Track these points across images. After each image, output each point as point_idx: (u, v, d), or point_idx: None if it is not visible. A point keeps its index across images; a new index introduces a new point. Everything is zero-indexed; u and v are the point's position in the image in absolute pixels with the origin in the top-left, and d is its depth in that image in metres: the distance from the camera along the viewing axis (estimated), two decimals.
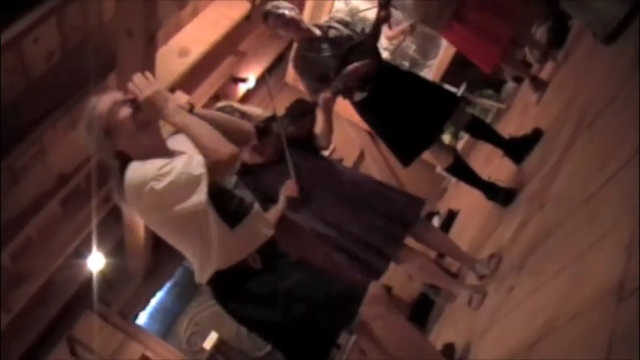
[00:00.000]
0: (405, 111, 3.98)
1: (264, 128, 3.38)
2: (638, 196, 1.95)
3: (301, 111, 3.72)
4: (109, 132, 2.36)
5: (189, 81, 5.93)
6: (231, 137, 2.38)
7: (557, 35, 5.13)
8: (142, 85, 2.35)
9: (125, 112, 2.36)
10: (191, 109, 2.43)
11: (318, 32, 4.19)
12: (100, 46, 4.10)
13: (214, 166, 2.27)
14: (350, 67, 3.81)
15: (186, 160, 2.27)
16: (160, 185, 2.23)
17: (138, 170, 2.29)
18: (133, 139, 2.38)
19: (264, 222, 2.66)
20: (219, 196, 2.46)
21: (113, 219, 6.17)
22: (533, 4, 5.37)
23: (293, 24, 4.14)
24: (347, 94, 4.00)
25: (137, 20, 3.82)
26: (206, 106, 6.30)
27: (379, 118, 4.11)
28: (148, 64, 4.07)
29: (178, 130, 2.39)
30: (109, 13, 4.10)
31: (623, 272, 1.80)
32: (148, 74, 2.38)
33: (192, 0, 5.20)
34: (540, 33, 5.42)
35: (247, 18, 6.15)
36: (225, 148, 2.31)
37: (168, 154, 2.40)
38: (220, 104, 3.47)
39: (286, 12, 4.10)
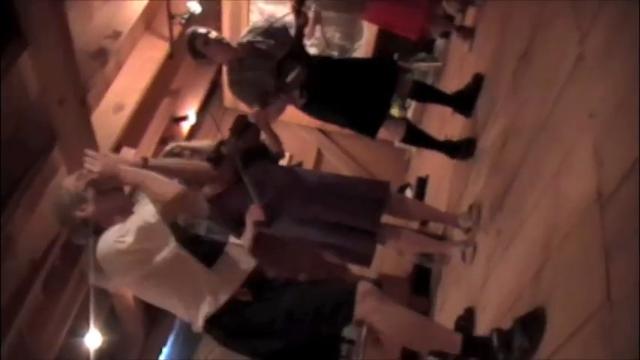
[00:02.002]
0: (352, 93, 4.01)
1: (216, 156, 3.40)
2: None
3: (242, 126, 3.73)
4: (76, 202, 2.47)
5: (132, 134, 5.90)
6: (193, 178, 2.50)
7: None
8: (92, 165, 2.49)
9: (87, 190, 2.47)
10: (145, 164, 2.54)
11: (244, 50, 4.17)
12: (36, 123, 4.07)
13: (166, 208, 2.39)
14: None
15: (138, 215, 2.41)
16: (124, 245, 2.35)
17: (103, 240, 2.40)
18: (101, 206, 2.49)
19: (241, 255, 2.69)
20: (189, 242, 2.52)
21: (98, 290, 6.08)
22: None
23: (219, 44, 4.10)
24: (289, 99, 4.02)
25: (64, 88, 3.81)
26: (155, 153, 6.28)
27: (330, 109, 4.14)
28: (85, 127, 4.06)
29: (132, 186, 2.58)
30: (35, 89, 4.07)
31: (598, 179, 1.84)
32: (88, 152, 2.52)
33: (113, 54, 5.17)
34: None
35: (170, 57, 6.14)
36: (171, 188, 2.47)
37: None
38: (168, 147, 3.48)
39: (211, 33, 4.09)
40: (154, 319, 7.58)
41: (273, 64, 3.97)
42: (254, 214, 3.45)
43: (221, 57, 4.18)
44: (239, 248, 2.75)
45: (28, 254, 4.56)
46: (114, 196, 2.53)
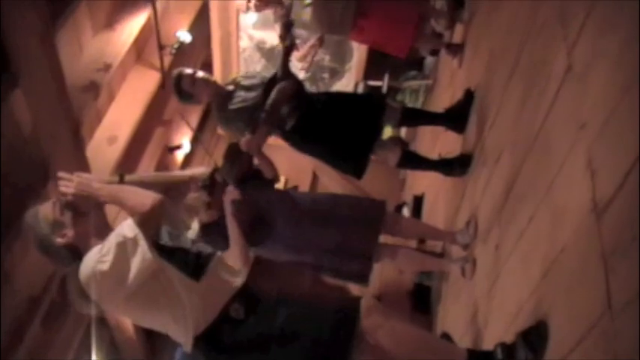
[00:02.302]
0: (338, 129, 4.01)
1: (210, 184, 3.41)
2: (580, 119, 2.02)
3: (235, 152, 3.73)
4: (56, 228, 2.44)
5: (127, 165, 5.90)
6: (175, 188, 2.48)
7: None
8: (66, 187, 2.48)
9: (64, 213, 2.46)
10: (121, 179, 2.52)
11: (230, 87, 4.15)
12: (30, 158, 4.07)
13: (144, 219, 2.36)
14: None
15: (117, 232, 2.37)
16: (106, 265, 2.31)
17: (84, 264, 2.36)
18: (80, 229, 2.46)
19: (230, 268, 2.63)
20: (174, 256, 2.47)
21: (98, 323, 6.05)
22: None
23: (206, 82, 4.08)
24: (278, 127, 4.01)
25: (57, 123, 3.81)
26: None
27: (317, 145, 4.12)
28: (80, 161, 4.06)
29: (109, 203, 2.54)
30: (28, 125, 4.07)
31: (592, 189, 1.85)
32: (61, 174, 2.53)
33: (104, 86, 5.19)
34: (440, 2, 5.53)
35: (162, 87, 6.17)
36: (147, 199, 2.43)
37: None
38: None
39: (197, 72, 4.09)
40: (155, 349, 7.53)
41: (258, 94, 3.98)
42: (230, 194, 3.41)
43: (208, 95, 4.13)
44: (230, 260, 2.69)
45: (26, 290, 4.55)
46: (92, 217, 2.49)
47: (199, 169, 3.63)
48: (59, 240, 2.42)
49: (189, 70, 4.07)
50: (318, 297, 2.67)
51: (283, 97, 3.89)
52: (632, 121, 1.67)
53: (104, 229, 2.47)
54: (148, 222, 2.40)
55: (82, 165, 4.27)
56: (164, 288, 2.42)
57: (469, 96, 4.16)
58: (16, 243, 4.20)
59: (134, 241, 2.32)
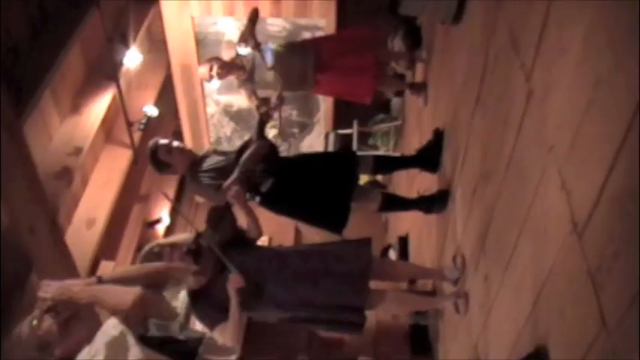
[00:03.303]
0: (314, 188, 4.04)
1: (195, 250, 3.39)
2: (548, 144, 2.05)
3: (217, 216, 3.73)
4: (43, 347, 2.41)
5: (108, 246, 5.86)
6: (162, 280, 2.50)
7: (413, 38, 5.36)
8: (45, 292, 2.49)
9: (47, 322, 2.43)
10: (100, 280, 2.54)
11: (206, 153, 4.18)
12: (9, 253, 4.03)
13: (127, 316, 2.42)
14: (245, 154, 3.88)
15: (102, 331, 2.41)
16: None
17: None
18: (68, 339, 2.46)
19: (220, 349, 2.68)
20: (164, 346, 2.50)
21: None
22: (378, 23, 5.64)
23: (182, 151, 4.11)
24: (254, 191, 4.02)
25: (33, 216, 3.79)
26: (134, 261, 6.23)
27: (295, 206, 4.15)
28: (60, 250, 4.03)
29: (89, 304, 2.58)
30: (5, 220, 4.04)
31: (570, 210, 1.88)
32: (43, 282, 2.53)
33: (77, 170, 5.18)
34: (397, 43, 5.63)
35: (135, 163, 6.17)
36: (127, 295, 2.50)
37: None
38: (147, 248, 3.46)
39: (172, 142, 4.12)
40: None
41: (231, 157, 4.01)
42: (234, 281, 3.41)
43: (184, 164, 4.13)
44: (216, 344, 2.72)
45: None
46: (76, 329, 2.50)
47: (182, 235, 3.62)
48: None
49: (164, 140, 4.10)
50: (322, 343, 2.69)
51: (257, 153, 3.94)
52: (597, 138, 1.71)
53: (89, 335, 2.47)
54: (133, 317, 2.45)
55: (62, 253, 4.24)
56: None
57: (439, 135, 4.22)
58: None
59: (121, 338, 2.36)
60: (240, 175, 3.83)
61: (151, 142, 4.14)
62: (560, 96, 2.01)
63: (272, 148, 4.11)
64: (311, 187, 4.04)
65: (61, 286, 2.51)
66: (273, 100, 5.07)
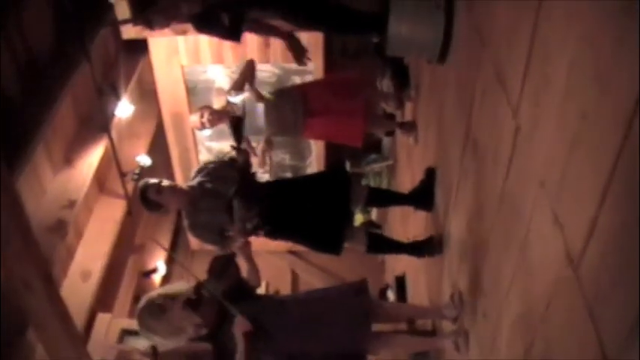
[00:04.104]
0: (307, 211, 4.06)
1: (196, 300, 3.37)
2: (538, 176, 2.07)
3: (221, 266, 3.71)
4: None
5: (104, 298, 5.84)
6: None
7: (401, 78, 5.42)
8: None
9: None
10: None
11: (195, 192, 4.20)
12: (4, 309, 4.00)
13: None
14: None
15: None
16: None
17: None
18: None
19: None
20: None
21: None
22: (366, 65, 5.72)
23: (172, 190, 4.13)
24: (254, 231, 4.05)
25: (27, 269, 3.76)
26: (131, 313, 6.19)
27: (290, 230, 4.17)
28: (55, 304, 3.99)
29: None
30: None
31: (564, 243, 1.88)
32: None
33: (71, 223, 5.17)
34: (386, 84, 5.69)
35: (129, 213, 6.16)
36: None
37: None
38: (143, 301, 3.44)
39: (162, 181, 4.13)
40: None
41: (224, 202, 4.02)
42: (240, 325, 3.37)
43: (175, 203, 4.19)
44: None
45: None
46: None
47: (180, 285, 3.59)
48: None
49: (154, 180, 4.13)
50: None
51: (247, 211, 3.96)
52: (586, 172, 1.72)
53: None
54: None
55: (58, 307, 4.20)
56: None
57: (430, 174, 4.25)
58: None
59: None
60: (241, 227, 3.85)
61: (140, 183, 4.18)
62: (547, 131, 2.03)
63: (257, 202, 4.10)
64: (305, 209, 4.09)
65: None
66: (261, 144, 5.11)
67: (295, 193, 4.18)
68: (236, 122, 4.72)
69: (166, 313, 3.30)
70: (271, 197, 4.11)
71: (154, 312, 3.32)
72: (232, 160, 4.29)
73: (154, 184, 4.09)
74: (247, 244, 3.78)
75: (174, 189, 4.15)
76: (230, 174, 4.20)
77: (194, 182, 4.26)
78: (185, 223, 4.28)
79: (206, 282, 3.57)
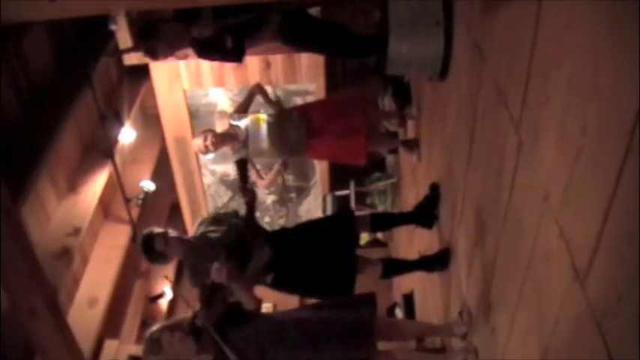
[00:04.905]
0: (317, 264, 4.04)
1: (194, 330, 3.39)
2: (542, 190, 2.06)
3: (208, 294, 3.68)
4: None
5: (111, 324, 5.82)
6: None
7: (402, 96, 5.44)
8: None
9: None
10: None
11: (199, 242, 4.10)
12: (10, 337, 3.99)
13: None
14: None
15: None
16: None
17: None
18: None
19: None
20: None
21: None
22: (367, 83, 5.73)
23: (179, 241, 4.06)
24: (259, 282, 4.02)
25: (33, 297, 3.77)
26: (138, 339, 6.18)
27: (301, 285, 4.15)
28: (62, 331, 3.99)
29: None
30: (5, 304, 4.02)
31: (570, 257, 1.87)
32: None
33: (77, 250, 5.17)
34: (388, 102, 5.71)
35: (134, 239, 6.16)
36: None
37: None
38: (149, 333, 3.45)
39: (168, 231, 4.07)
40: None
41: (227, 249, 3.98)
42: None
43: (180, 254, 4.09)
44: None
45: None
46: None
47: (181, 317, 3.61)
48: None
49: (159, 230, 4.03)
50: None
51: (258, 268, 3.92)
52: (590, 185, 1.72)
53: None
54: None
55: (65, 334, 4.19)
56: None
57: (435, 190, 4.24)
58: None
59: None
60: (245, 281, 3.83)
61: (145, 232, 4.05)
62: (549, 145, 2.02)
63: (270, 255, 4.07)
64: (313, 263, 4.04)
65: None
66: (276, 166, 5.10)
67: (300, 241, 4.15)
68: (241, 163, 4.70)
69: (166, 347, 3.34)
70: (277, 246, 4.07)
71: (153, 348, 3.37)
72: (236, 212, 4.27)
73: (160, 234, 3.99)
74: (223, 269, 3.70)
75: (181, 240, 4.08)
76: (234, 224, 4.16)
77: (198, 233, 4.22)
78: (186, 272, 4.21)
79: (199, 312, 3.56)
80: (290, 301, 7.63)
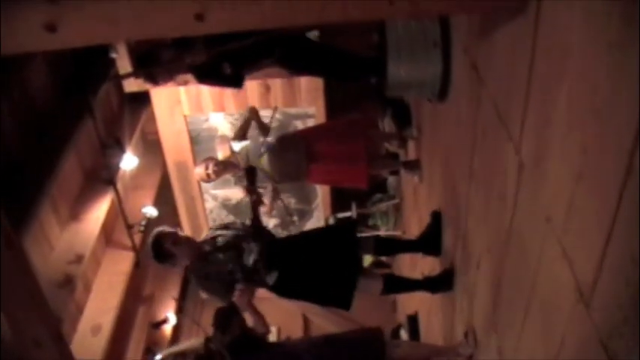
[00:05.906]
0: (317, 268, 4.03)
1: (206, 356, 3.38)
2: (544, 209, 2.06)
3: (224, 317, 3.68)
4: None
5: (115, 351, 5.79)
6: None
7: (402, 118, 5.45)
8: None
9: None
10: None
11: (207, 247, 4.14)
12: None
13: None
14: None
15: None
16: None
17: None
18: None
19: None
20: None
21: None
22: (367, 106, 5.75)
23: (188, 241, 4.08)
24: (259, 284, 4.02)
25: (36, 327, 3.74)
26: None
27: (301, 289, 4.13)
28: None
29: None
30: (8, 334, 3.99)
31: (574, 279, 1.86)
32: None
33: (80, 278, 5.16)
34: (387, 124, 5.73)
35: (137, 265, 6.15)
36: None
37: None
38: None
39: (178, 231, 4.09)
40: None
41: (233, 253, 3.99)
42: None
43: (188, 256, 4.08)
44: None
45: None
46: None
47: (191, 342, 3.60)
48: None
49: (169, 229, 4.05)
50: None
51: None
52: (592, 206, 1.72)
53: None
54: None
55: None
56: None
57: (436, 218, 4.24)
58: None
59: None
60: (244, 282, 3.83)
61: (155, 231, 4.05)
62: (551, 166, 2.02)
63: (269, 247, 4.08)
64: (315, 267, 4.03)
65: None
66: (268, 194, 5.11)
67: (304, 250, 4.15)
68: (251, 170, 4.71)
69: None
70: (280, 251, 4.07)
71: None
72: (243, 223, 4.29)
73: (170, 233, 4.00)
74: (244, 292, 3.73)
75: (190, 240, 4.09)
76: (243, 228, 4.18)
77: (207, 237, 4.24)
78: (193, 276, 4.21)
79: (213, 336, 3.55)
80: (294, 325, 7.63)
